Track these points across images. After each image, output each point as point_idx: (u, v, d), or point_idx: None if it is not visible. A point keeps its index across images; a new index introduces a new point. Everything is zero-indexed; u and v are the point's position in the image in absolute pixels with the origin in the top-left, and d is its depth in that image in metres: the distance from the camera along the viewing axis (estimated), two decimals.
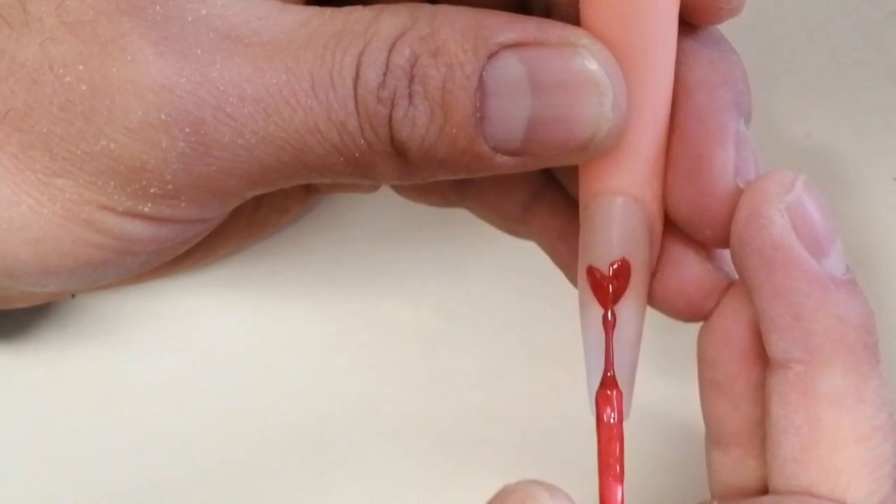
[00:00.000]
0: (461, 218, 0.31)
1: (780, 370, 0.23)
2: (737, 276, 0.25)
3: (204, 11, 0.22)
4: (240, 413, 0.34)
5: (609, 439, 0.24)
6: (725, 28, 0.25)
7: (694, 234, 0.25)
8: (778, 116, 0.34)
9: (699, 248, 0.25)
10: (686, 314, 0.26)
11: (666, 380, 0.31)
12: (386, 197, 0.32)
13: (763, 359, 0.24)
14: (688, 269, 0.25)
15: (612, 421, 0.24)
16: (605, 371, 0.25)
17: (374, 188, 0.32)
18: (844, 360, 0.23)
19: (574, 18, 0.23)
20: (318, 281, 0.35)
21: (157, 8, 0.22)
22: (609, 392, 0.24)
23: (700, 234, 0.24)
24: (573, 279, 0.28)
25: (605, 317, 0.25)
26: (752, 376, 0.25)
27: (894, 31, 0.35)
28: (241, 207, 0.25)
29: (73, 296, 0.34)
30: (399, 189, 0.31)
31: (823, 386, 0.23)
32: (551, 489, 0.21)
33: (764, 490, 0.25)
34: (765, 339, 0.23)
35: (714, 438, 0.26)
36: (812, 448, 0.23)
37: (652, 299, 0.25)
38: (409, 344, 0.34)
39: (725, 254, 0.25)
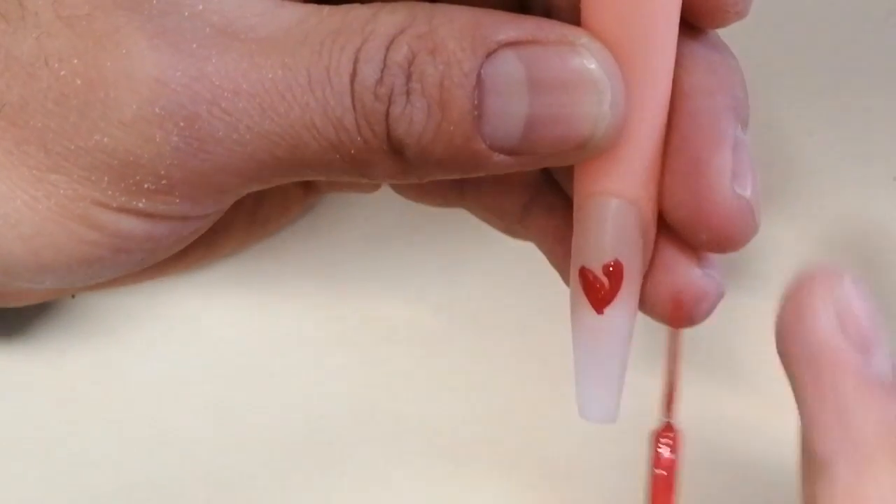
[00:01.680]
0: (461, 219, 0.31)
1: (824, 471, 0.22)
2: (725, 286, 0.25)
3: (200, 7, 0.22)
4: (239, 413, 0.34)
5: (664, 489, 0.24)
6: (726, 27, 0.25)
7: (690, 239, 0.25)
8: (778, 116, 0.34)
9: (691, 253, 0.25)
10: (676, 319, 0.25)
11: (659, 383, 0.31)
12: (386, 197, 0.32)
13: None
14: (679, 274, 0.25)
15: (665, 470, 0.24)
16: (665, 413, 0.24)
17: (375, 188, 0.32)
18: (889, 461, 0.22)
19: (573, 19, 0.23)
20: (318, 281, 0.35)
21: (154, 2, 0.22)
22: (668, 437, 0.24)
23: (696, 238, 0.24)
24: (570, 280, 0.28)
25: (671, 343, 0.24)
26: None
27: (894, 31, 0.35)
28: (240, 207, 0.25)
29: (73, 296, 0.34)
30: (398, 188, 0.31)
31: (871, 491, 0.22)
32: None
33: None
34: (806, 434, 0.23)
35: None
36: None
37: (641, 303, 0.25)
38: (409, 344, 0.34)
39: (717, 259, 0.25)
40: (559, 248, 0.29)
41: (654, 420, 0.31)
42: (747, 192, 0.23)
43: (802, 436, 0.23)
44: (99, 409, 0.34)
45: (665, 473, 0.24)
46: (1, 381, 0.34)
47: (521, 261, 0.32)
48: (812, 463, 0.23)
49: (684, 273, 0.25)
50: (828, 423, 0.22)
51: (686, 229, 0.24)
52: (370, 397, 0.34)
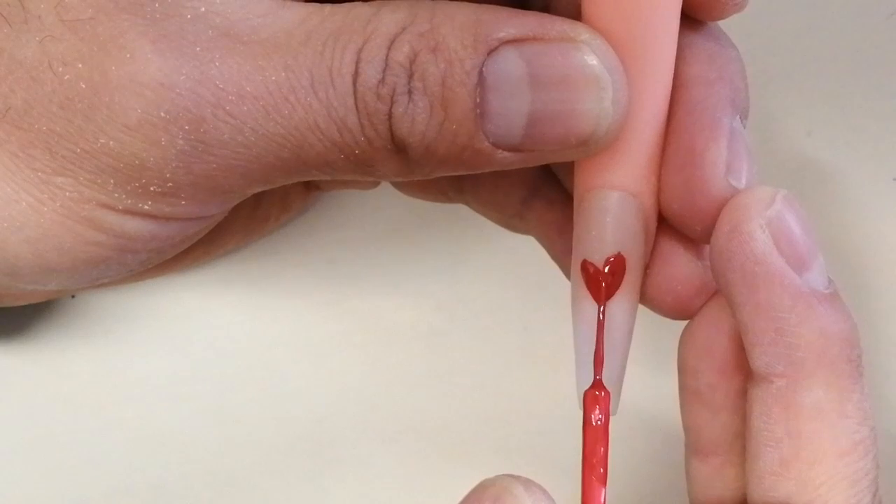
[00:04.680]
0: (461, 216, 0.31)
1: (762, 383, 0.23)
2: None
3: (203, 9, 0.22)
4: (239, 412, 0.34)
5: (595, 440, 0.24)
6: (725, 28, 0.25)
7: (684, 230, 0.25)
8: (778, 116, 0.34)
9: (689, 245, 0.25)
10: (674, 311, 0.26)
11: (661, 378, 0.31)
12: (386, 194, 0.32)
13: (743, 368, 0.24)
14: (677, 267, 0.25)
15: (598, 422, 0.24)
16: (595, 372, 0.24)
17: (374, 184, 0.32)
18: (826, 374, 0.22)
19: (572, 14, 0.23)
20: (317, 279, 0.35)
21: (156, 6, 0.22)
22: (597, 393, 0.24)
23: (690, 230, 0.24)
24: (570, 274, 0.28)
25: (598, 314, 0.25)
26: (732, 386, 0.24)
27: (894, 32, 0.35)
28: (241, 205, 0.25)
29: (73, 296, 0.34)
30: (398, 184, 0.31)
31: (805, 400, 0.22)
32: (527, 483, 0.21)
33: (743, 501, 0.25)
34: (748, 353, 0.23)
35: (693, 447, 0.25)
36: (792, 461, 0.22)
37: (640, 296, 0.25)
38: (409, 343, 0.34)
39: None
40: (559, 241, 0.29)
41: (654, 415, 0.32)
42: (742, 184, 0.24)
43: (746, 353, 0.23)
44: (99, 409, 0.34)
45: (598, 424, 0.24)
46: (1, 381, 0.34)
47: (522, 258, 0.32)
48: (752, 377, 0.23)
49: (682, 265, 0.25)
50: (765, 338, 0.23)
51: (681, 221, 0.24)
52: (370, 396, 0.34)
